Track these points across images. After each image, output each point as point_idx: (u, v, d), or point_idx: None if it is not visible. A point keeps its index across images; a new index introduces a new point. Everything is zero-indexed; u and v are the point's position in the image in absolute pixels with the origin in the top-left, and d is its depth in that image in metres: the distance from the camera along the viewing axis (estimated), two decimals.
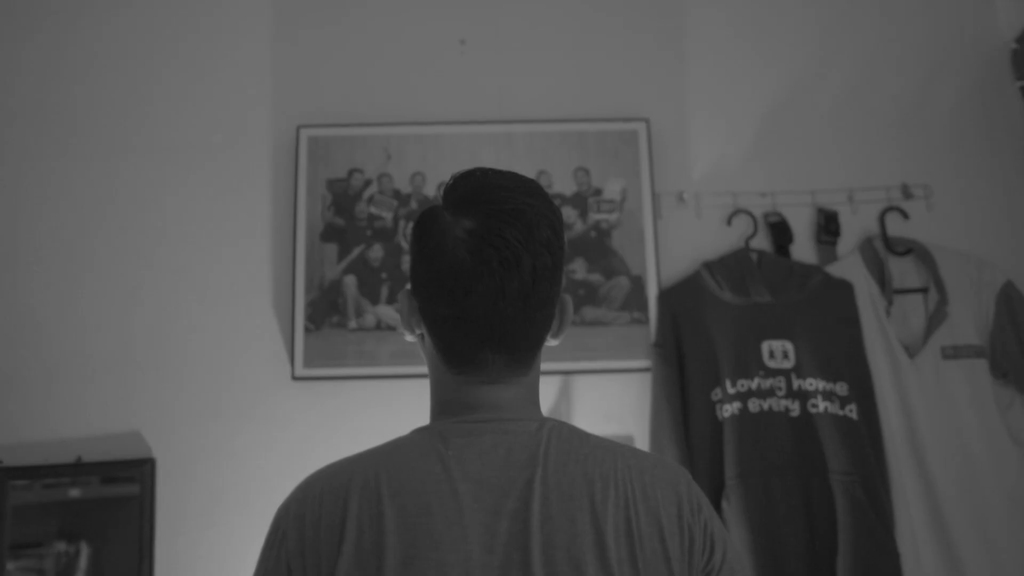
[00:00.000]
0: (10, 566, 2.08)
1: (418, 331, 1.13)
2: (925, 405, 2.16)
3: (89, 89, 2.40)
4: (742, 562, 1.09)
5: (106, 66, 2.42)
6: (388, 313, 2.23)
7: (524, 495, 0.99)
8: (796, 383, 2.15)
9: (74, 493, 2.14)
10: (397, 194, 2.33)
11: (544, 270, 1.06)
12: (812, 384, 2.14)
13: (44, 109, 2.39)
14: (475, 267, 1.03)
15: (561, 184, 2.34)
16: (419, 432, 1.08)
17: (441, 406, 1.11)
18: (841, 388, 2.13)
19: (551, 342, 1.13)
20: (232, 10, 2.46)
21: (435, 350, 1.10)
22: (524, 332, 1.07)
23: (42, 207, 2.33)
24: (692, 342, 2.20)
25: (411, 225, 1.17)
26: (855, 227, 2.35)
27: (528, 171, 2.28)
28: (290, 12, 2.47)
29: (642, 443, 2.20)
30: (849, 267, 2.28)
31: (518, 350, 1.08)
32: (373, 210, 2.32)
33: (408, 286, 1.13)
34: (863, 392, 2.14)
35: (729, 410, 2.13)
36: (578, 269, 2.29)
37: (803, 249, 2.34)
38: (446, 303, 1.06)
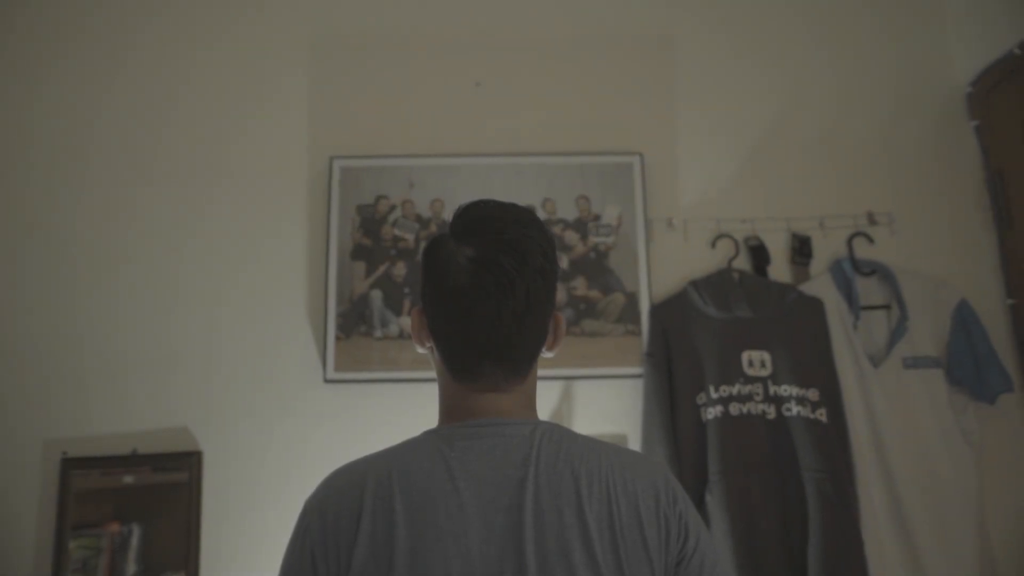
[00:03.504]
0: (71, 544, 2.10)
1: (428, 344, 1.14)
2: (888, 409, 2.16)
3: (150, 126, 2.43)
4: (713, 548, 1.08)
5: (163, 106, 2.45)
6: (410, 324, 2.24)
7: (518, 492, 1.00)
8: (772, 389, 2.15)
9: (128, 480, 2.15)
10: (419, 218, 2.35)
11: (537, 293, 1.07)
12: (787, 390, 2.14)
13: (112, 143, 2.42)
14: (475, 290, 1.04)
15: (564, 210, 2.35)
16: (427, 434, 1.09)
17: (447, 411, 1.12)
18: (813, 394, 2.13)
19: (547, 354, 1.14)
20: (274, 57, 2.49)
21: (441, 361, 1.11)
22: (519, 347, 1.08)
23: (107, 228, 2.36)
24: (680, 352, 2.20)
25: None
26: (826, 250, 2.35)
27: (535, 198, 2.32)
28: (325, 58, 2.49)
29: (634, 442, 2.21)
30: (820, 286, 2.28)
31: (514, 363, 1.08)
32: (397, 232, 2.33)
33: (419, 304, 1.15)
34: (832, 398, 2.14)
35: (712, 413, 2.13)
36: (579, 286, 2.30)
37: (779, 269, 2.34)
38: (450, 321, 1.07)
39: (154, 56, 2.49)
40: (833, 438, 2.10)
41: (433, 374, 1.16)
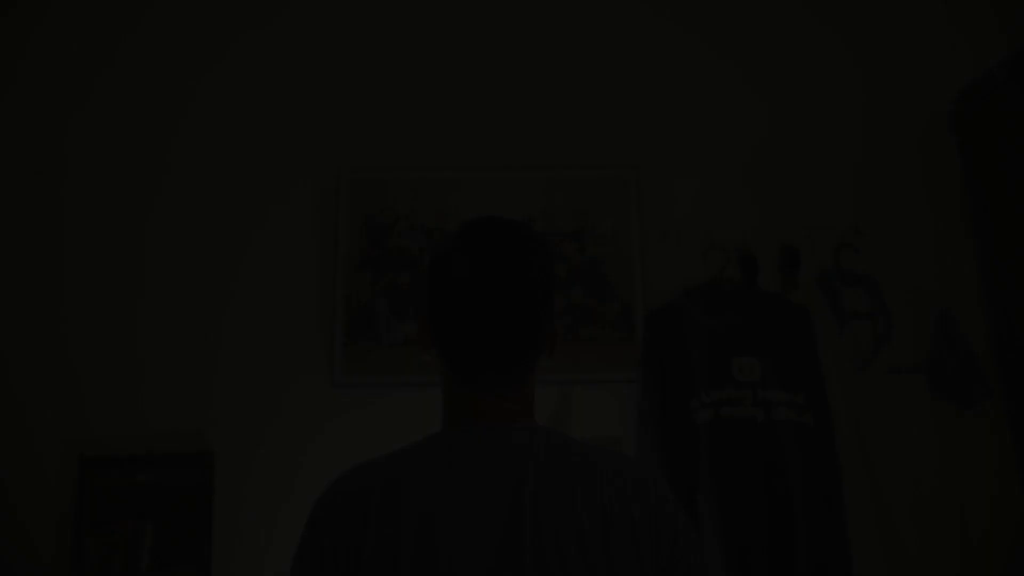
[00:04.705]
0: (88, 541, 2.11)
1: (433, 350, 1.17)
2: (872, 414, 2.18)
3: (163, 136, 2.46)
4: (702, 550, 1.10)
5: (176, 117, 2.47)
6: (414, 331, 2.25)
7: (517, 492, 1.01)
8: (761, 394, 2.15)
9: (143, 480, 2.16)
10: (423, 228, 2.36)
11: (535, 302, 1.10)
12: (775, 395, 2.14)
13: (119, 152, 2.44)
14: (476, 299, 1.07)
15: (563, 221, 2.36)
16: (431, 438, 1.11)
17: (450, 414, 1.13)
18: (800, 398, 2.13)
19: (544, 361, 1.16)
20: (286, 73, 2.52)
21: (445, 368, 1.14)
22: (519, 354, 1.10)
23: (124, 235, 2.38)
24: (673, 358, 2.21)
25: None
26: (813, 261, 2.35)
27: (534, 209, 2.35)
28: (335, 75, 2.52)
29: (629, 445, 2.21)
30: (808, 294, 2.29)
31: (514, 369, 1.11)
32: (402, 242, 2.36)
33: (424, 313, 1.17)
34: (819, 402, 2.14)
35: (704, 417, 2.13)
36: (576, 294, 2.31)
37: (769, 279, 2.34)
38: (452, 329, 1.10)
39: (162, 67, 2.51)
40: (819, 441, 2.11)
41: (436, 380, 1.18)
